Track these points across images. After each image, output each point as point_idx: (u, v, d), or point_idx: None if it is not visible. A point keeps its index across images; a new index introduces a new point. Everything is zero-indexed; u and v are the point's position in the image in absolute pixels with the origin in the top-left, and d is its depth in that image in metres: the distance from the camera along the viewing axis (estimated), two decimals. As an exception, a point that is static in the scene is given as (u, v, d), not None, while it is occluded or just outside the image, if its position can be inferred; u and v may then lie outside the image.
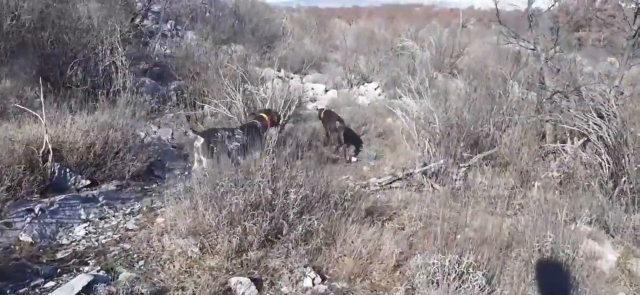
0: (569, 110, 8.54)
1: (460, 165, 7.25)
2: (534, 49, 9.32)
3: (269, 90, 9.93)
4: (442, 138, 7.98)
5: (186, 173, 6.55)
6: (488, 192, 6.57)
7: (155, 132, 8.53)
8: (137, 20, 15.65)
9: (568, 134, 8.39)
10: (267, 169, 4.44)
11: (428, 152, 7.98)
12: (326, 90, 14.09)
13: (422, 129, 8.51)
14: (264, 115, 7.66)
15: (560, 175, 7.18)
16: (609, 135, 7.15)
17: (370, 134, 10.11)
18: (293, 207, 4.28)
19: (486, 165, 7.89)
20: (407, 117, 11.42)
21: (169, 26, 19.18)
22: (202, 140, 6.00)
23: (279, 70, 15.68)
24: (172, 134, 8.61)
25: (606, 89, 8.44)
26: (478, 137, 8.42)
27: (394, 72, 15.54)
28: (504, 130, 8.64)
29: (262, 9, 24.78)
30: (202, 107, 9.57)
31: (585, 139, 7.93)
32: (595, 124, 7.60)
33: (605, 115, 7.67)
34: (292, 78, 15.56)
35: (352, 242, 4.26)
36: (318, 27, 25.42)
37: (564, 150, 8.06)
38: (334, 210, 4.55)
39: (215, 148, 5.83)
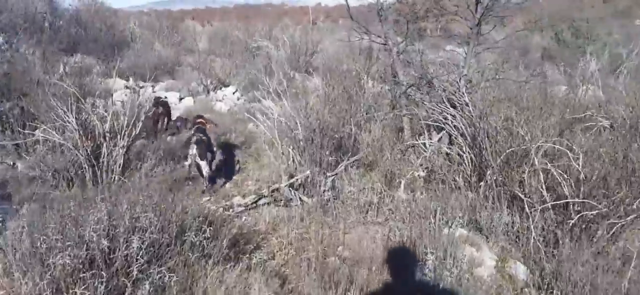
0: (423, 103, 8.56)
1: (328, 174, 6.90)
2: (385, 44, 9.30)
3: (116, 104, 8.86)
4: (306, 144, 7.60)
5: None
6: (358, 200, 6.28)
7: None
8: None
9: (425, 128, 8.41)
10: (102, 211, 3.63)
11: (293, 160, 7.56)
12: (181, 98, 13.10)
13: (285, 136, 8.06)
14: (203, 121, 8.49)
15: (425, 173, 7.13)
16: (462, 125, 7.20)
17: (232, 143, 9.43)
18: (137, 260, 3.51)
19: (351, 167, 7.66)
20: (268, 122, 11.00)
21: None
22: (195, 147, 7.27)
23: (127, 80, 14.39)
24: (-8, 168, 7.24)
25: (456, 78, 8.57)
26: (341, 139, 8.17)
27: (252, 74, 14.99)
28: (365, 130, 8.50)
29: (106, 14, 22.79)
30: (33, 133, 8.21)
31: (443, 131, 7.98)
32: (449, 114, 7.64)
33: (457, 105, 7.72)
34: (142, 87, 14.34)
35: (214, 293, 3.60)
36: (169, 30, 24.01)
37: (423, 144, 8.04)
38: (190, 254, 3.84)
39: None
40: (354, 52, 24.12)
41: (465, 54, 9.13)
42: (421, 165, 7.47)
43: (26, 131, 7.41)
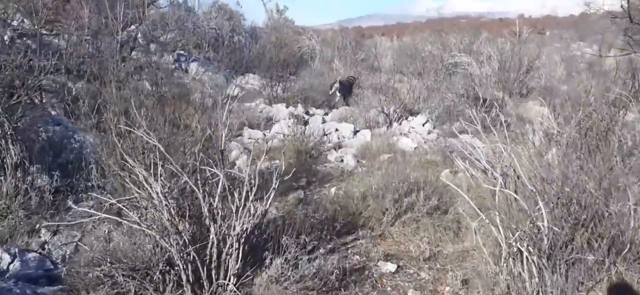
0: None
1: None
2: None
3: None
4: (555, 244, 4.09)
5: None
6: None
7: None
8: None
9: None
10: None
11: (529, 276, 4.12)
12: (356, 132, 10.30)
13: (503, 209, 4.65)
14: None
15: None
16: None
17: (418, 210, 6.15)
18: None
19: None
20: (473, 168, 7.59)
21: (170, 58, 15.95)
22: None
23: (295, 106, 12.06)
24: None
25: None
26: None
27: (448, 99, 11.61)
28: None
29: (287, 32, 21.36)
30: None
31: None
32: None
33: None
34: (312, 115, 11.89)
35: None
36: (352, 46, 21.67)
37: None
38: None
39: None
40: (594, 72, 19.34)
41: None
42: None
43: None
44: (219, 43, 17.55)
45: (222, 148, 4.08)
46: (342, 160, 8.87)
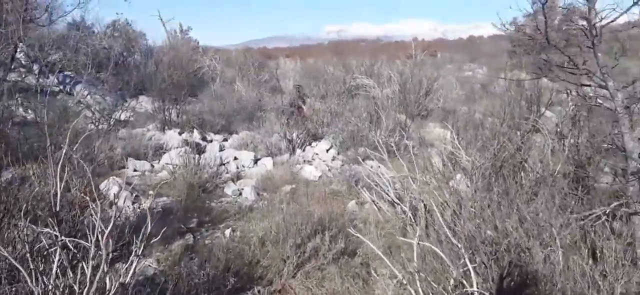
0: None
1: None
2: (603, 86, 5.08)
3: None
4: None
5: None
6: None
7: None
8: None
9: None
10: None
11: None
12: (256, 160, 9.52)
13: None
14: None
15: None
16: None
17: (323, 255, 5.45)
18: None
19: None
20: (380, 200, 7.10)
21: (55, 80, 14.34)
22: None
23: (191, 132, 11.10)
24: None
25: None
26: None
27: (352, 123, 11.18)
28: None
29: (185, 51, 20.19)
30: None
31: None
32: None
33: None
34: (210, 141, 10.99)
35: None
36: (255, 67, 20.91)
37: None
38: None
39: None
40: (475, 90, 19.91)
41: None
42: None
43: None
44: (109, 63, 16.11)
45: (57, 209, 3.06)
46: (240, 194, 8.07)
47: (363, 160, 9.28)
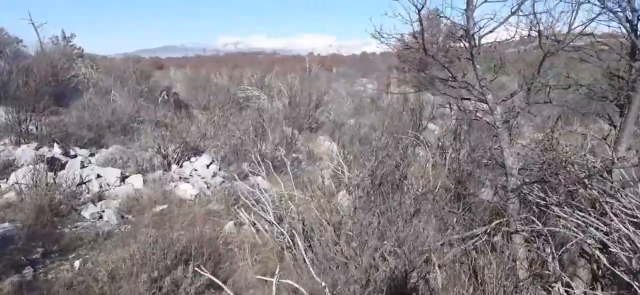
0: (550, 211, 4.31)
1: None
2: (482, 100, 4.88)
3: None
4: None
5: None
6: None
7: None
8: None
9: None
10: None
11: None
12: (123, 178, 8.54)
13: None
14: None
15: None
16: None
17: (185, 290, 4.73)
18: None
19: None
20: (259, 221, 6.51)
21: None
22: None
23: (51, 146, 9.85)
24: None
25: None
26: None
27: (236, 136, 10.50)
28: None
29: (56, 57, 18.41)
30: None
31: None
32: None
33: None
34: (74, 156, 9.79)
35: None
36: (137, 76, 19.48)
37: None
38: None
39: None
40: (365, 103, 19.99)
41: (614, 122, 4.80)
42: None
43: None
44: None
45: None
46: (100, 217, 7.11)
47: (245, 176, 8.66)
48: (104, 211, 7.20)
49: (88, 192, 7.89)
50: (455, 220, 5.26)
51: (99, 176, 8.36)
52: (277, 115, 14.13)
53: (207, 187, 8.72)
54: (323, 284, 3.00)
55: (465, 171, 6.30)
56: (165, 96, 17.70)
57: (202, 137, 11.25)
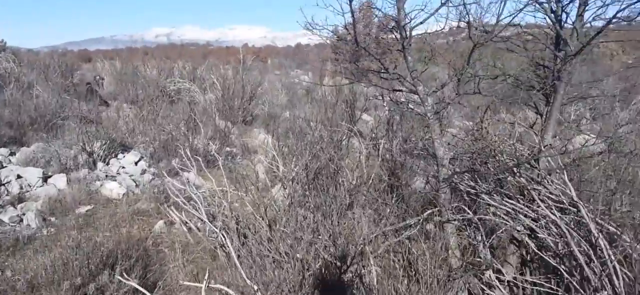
0: (480, 199, 4.48)
1: None
2: (413, 91, 4.90)
3: None
4: None
5: None
6: None
7: None
8: None
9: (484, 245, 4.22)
10: None
11: None
12: (46, 178, 8.05)
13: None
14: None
15: None
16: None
17: None
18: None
19: None
20: (191, 220, 6.30)
21: None
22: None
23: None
24: None
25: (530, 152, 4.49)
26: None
27: (166, 131, 10.14)
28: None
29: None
30: None
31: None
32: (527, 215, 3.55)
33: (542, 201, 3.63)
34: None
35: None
36: (62, 69, 18.50)
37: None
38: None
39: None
40: (300, 95, 19.88)
41: (540, 111, 4.97)
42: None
43: None
44: None
45: None
46: (20, 220, 6.66)
47: (176, 173, 8.36)
48: (24, 214, 6.75)
49: (7, 194, 7.37)
50: (389, 211, 5.26)
51: (19, 177, 7.84)
52: (210, 109, 13.80)
53: (136, 185, 8.36)
54: (255, 287, 2.88)
55: (398, 162, 6.33)
56: (92, 90, 16.91)
57: (130, 133, 10.81)
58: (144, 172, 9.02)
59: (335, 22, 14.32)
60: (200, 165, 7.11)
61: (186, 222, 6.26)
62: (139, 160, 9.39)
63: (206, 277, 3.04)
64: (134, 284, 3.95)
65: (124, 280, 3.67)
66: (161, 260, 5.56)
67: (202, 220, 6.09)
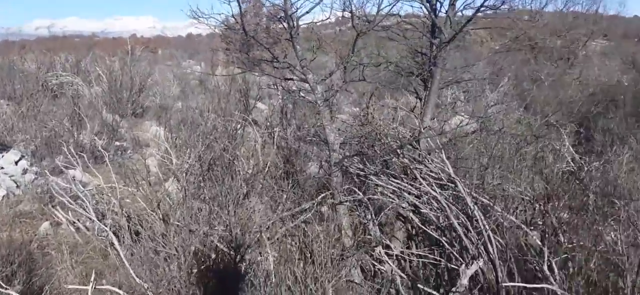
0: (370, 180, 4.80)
1: None
2: (304, 80, 5.07)
3: None
4: None
5: None
6: None
7: None
8: None
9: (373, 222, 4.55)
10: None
11: None
12: None
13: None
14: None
15: None
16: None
17: None
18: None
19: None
20: (79, 220, 6.04)
21: None
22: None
23: None
24: None
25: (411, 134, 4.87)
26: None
27: (49, 127, 9.57)
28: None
29: None
30: None
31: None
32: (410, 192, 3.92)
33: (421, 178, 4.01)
34: None
35: None
36: None
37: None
38: None
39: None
40: (192, 86, 19.45)
41: (419, 95, 5.36)
42: None
43: None
44: None
45: None
46: None
47: (60, 171, 7.93)
48: None
49: None
50: (285, 197, 5.40)
51: None
52: (96, 102, 13.14)
53: (17, 186, 7.84)
54: (145, 286, 2.88)
55: (293, 149, 6.50)
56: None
57: (8, 131, 10.06)
58: (25, 171, 8.46)
59: (222, 10, 14.18)
60: (86, 162, 6.81)
61: (74, 222, 5.99)
62: (19, 160, 8.76)
63: (92, 279, 2.98)
64: (13, 293, 3.75)
65: (3, 290, 3.48)
66: (47, 264, 5.30)
67: (90, 219, 5.86)
